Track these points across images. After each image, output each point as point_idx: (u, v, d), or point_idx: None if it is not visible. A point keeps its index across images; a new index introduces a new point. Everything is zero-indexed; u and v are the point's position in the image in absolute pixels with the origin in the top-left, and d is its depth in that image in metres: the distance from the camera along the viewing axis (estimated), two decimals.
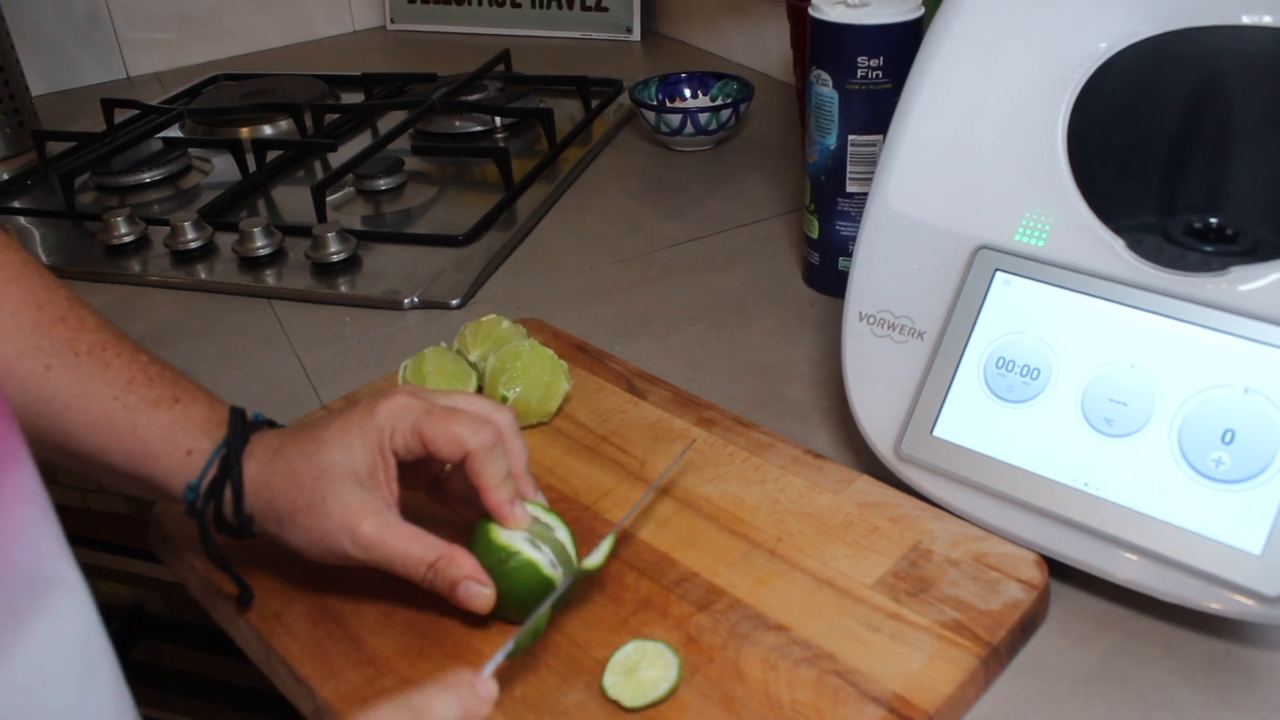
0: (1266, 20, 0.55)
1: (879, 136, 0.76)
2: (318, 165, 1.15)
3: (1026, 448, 0.55)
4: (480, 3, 1.59)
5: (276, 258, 0.93)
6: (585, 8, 1.52)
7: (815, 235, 0.82)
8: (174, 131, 1.24)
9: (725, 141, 1.14)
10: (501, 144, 1.16)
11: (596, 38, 1.52)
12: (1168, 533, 0.51)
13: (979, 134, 0.60)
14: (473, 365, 0.70)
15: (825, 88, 0.76)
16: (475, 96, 1.22)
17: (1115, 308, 0.54)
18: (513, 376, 0.66)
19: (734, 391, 0.73)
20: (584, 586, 0.55)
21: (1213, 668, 0.51)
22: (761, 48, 1.32)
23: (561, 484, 0.62)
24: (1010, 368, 0.56)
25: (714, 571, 0.55)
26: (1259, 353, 0.50)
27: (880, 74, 0.74)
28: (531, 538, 0.51)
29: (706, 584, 0.54)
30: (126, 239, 0.97)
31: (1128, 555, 0.52)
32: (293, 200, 1.07)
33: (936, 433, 0.58)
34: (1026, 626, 0.52)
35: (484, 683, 0.43)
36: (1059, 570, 0.55)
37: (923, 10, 0.74)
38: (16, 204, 1.10)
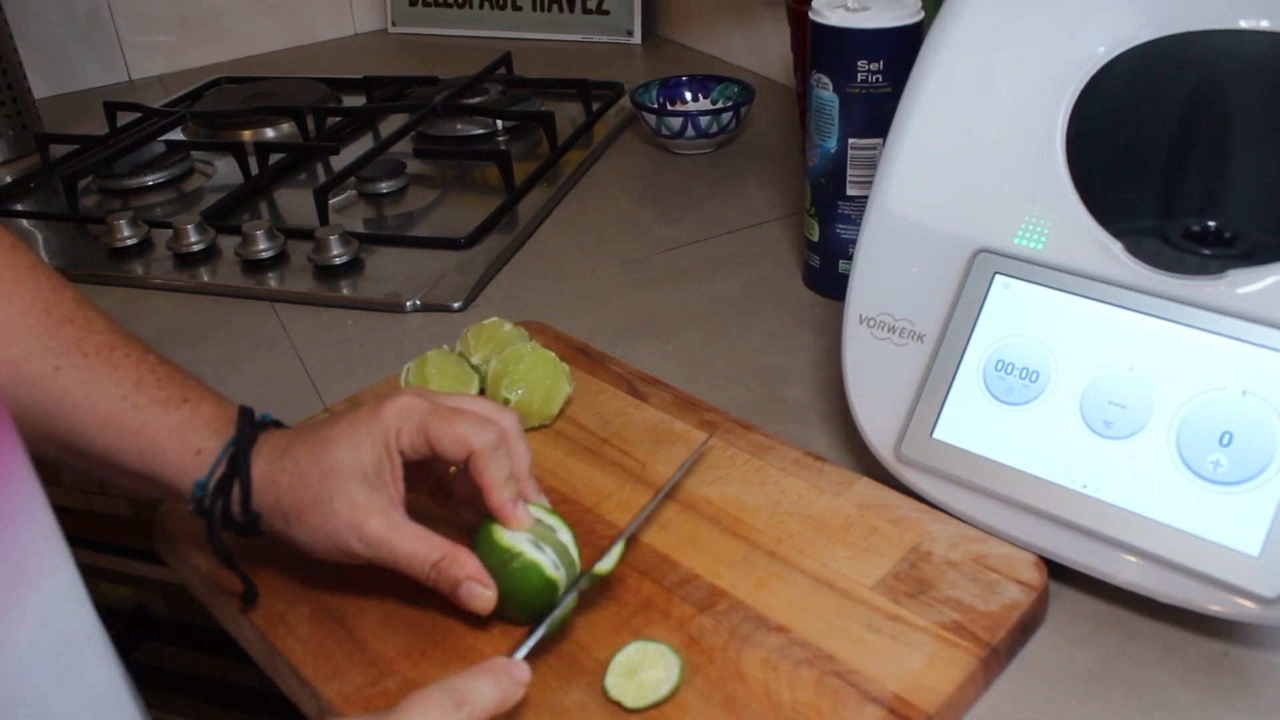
0: (1264, 24, 0.55)
1: (879, 140, 0.76)
2: (320, 168, 1.15)
3: (1026, 450, 0.55)
4: (481, 5, 1.59)
5: (279, 260, 0.94)
6: (586, 11, 1.53)
7: (816, 238, 0.83)
8: (176, 134, 1.24)
9: (726, 144, 1.14)
10: (503, 147, 1.17)
11: (598, 41, 1.52)
12: (1166, 534, 0.51)
13: (978, 137, 0.60)
14: (475, 368, 0.70)
15: (825, 91, 0.76)
16: (477, 99, 1.22)
17: (1114, 311, 0.54)
18: (515, 379, 0.66)
19: (735, 394, 0.73)
20: (586, 588, 0.55)
21: (1211, 669, 0.51)
22: (762, 51, 1.33)
23: (563, 486, 0.63)
24: (1010, 370, 0.56)
25: (715, 573, 0.55)
26: (1257, 355, 0.51)
27: (880, 77, 0.74)
28: (535, 539, 0.52)
29: (708, 585, 0.55)
30: (129, 242, 0.97)
31: (1126, 557, 0.52)
32: (295, 203, 1.07)
33: (936, 435, 0.58)
34: (1026, 627, 0.52)
35: (518, 666, 0.46)
36: (1058, 571, 0.55)
37: (922, 14, 0.74)
38: (19, 207, 1.10)
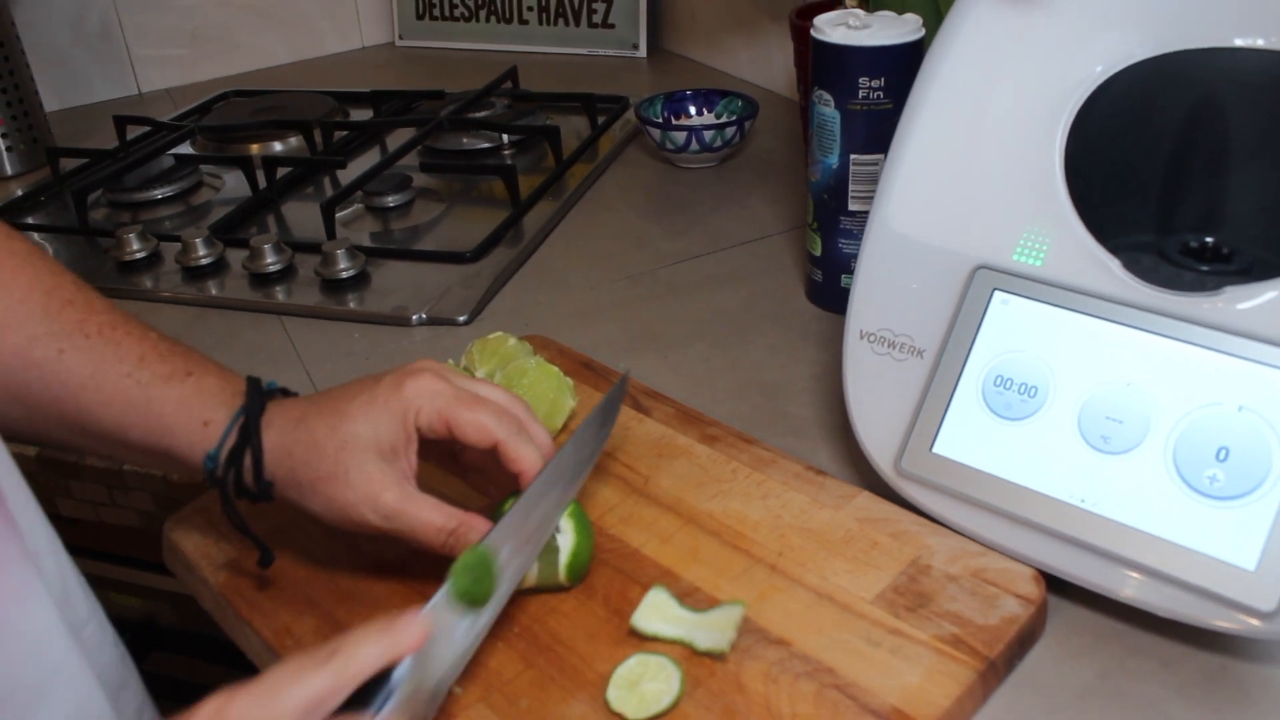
0: (1259, 43, 0.56)
1: (880, 156, 0.77)
2: (327, 182, 1.16)
3: (1024, 464, 0.56)
4: (488, 19, 1.60)
5: (286, 274, 0.95)
6: (592, 25, 1.54)
7: (818, 252, 0.83)
8: (185, 148, 1.26)
9: (730, 158, 1.15)
10: (508, 161, 1.18)
11: (603, 55, 1.53)
12: (1163, 549, 0.52)
13: (978, 155, 0.61)
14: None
15: (827, 108, 0.77)
16: (483, 114, 1.23)
17: (1112, 327, 0.55)
18: (519, 393, 0.67)
19: (737, 408, 0.74)
20: (588, 601, 0.56)
21: (1209, 682, 0.51)
22: (766, 65, 1.33)
23: None
24: (1008, 385, 0.57)
25: (716, 586, 0.56)
26: (1253, 371, 0.51)
27: (881, 94, 0.75)
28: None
29: (709, 599, 0.55)
30: (139, 255, 0.98)
31: (1124, 571, 0.53)
32: (302, 217, 1.08)
33: (936, 449, 0.59)
34: (1024, 641, 0.53)
35: (410, 620, 0.44)
36: (1056, 585, 0.55)
37: (923, 32, 0.75)
38: (30, 220, 1.12)
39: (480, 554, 0.50)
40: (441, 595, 0.48)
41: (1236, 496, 0.50)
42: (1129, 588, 0.53)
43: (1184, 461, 0.52)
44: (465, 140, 1.20)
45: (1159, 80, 0.58)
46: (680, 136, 1.09)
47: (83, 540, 0.86)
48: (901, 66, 0.73)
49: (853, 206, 0.79)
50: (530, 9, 1.57)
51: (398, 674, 0.43)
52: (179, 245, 0.97)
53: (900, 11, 0.77)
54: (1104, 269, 0.56)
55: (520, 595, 0.55)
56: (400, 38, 1.66)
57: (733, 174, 1.12)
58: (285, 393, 0.57)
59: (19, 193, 1.17)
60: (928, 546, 0.57)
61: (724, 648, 0.51)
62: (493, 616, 0.51)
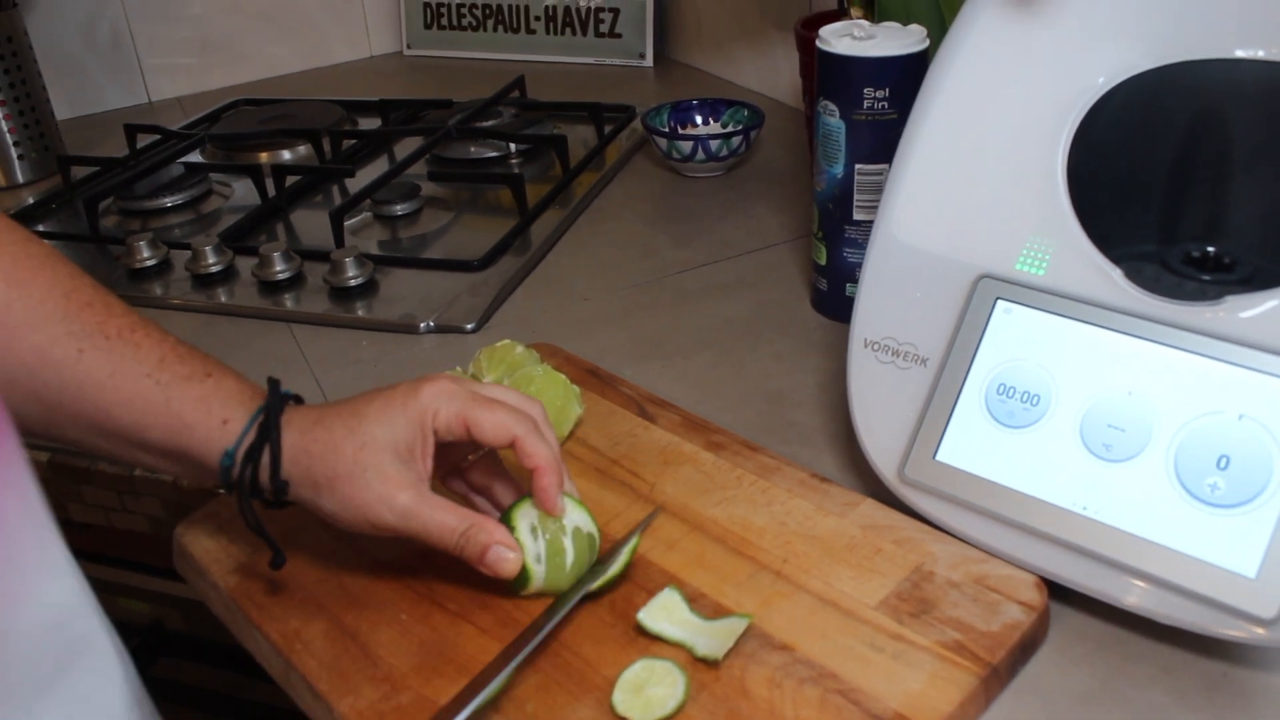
0: (1260, 54, 0.57)
1: (885, 165, 0.77)
2: (335, 190, 1.17)
3: (1027, 472, 0.56)
4: (495, 29, 1.61)
5: (295, 282, 0.95)
6: (599, 34, 1.54)
7: (823, 262, 0.84)
8: (195, 156, 1.26)
9: (736, 168, 1.16)
10: (516, 170, 1.18)
11: (610, 64, 1.54)
12: (1164, 556, 0.52)
13: (981, 165, 0.61)
14: None
15: (832, 118, 0.78)
16: (490, 123, 1.24)
17: (1114, 336, 0.55)
18: None
19: (742, 415, 0.74)
20: (594, 606, 0.56)
21: (1211, 690, 0.52)
22: (772, 74, 1.34)
23: None
24: (1011, 394, 0.57)
25: (721, 592, 0.56)
26: (1254, 380, 0.51)
27: (886, 105, 0.75)
28: (534, 528, 0.55)
29: (714, 604, 0.56)
30: (149, 262, 0.99)
31: (1126, 578, 0.53)
32: (311, 225, 1.09)
33: (939, 457, 0.59)
34: (1026, 647, 0.53)
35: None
36: (1058, 592, 0.56)
37: (928, 43, 0.75)
38: (42, 227, 1.13)
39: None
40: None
41: (1237, 504, 0.51)
42: (1131, 595, 0.53)
43: (1185, 469, 0.52)
44: (473, 149, 1.20)
45: (1161, 91, 0.59)
46: (686, 146, 1.10)
47: (93, 545, 0.86)
48: (906, 77, 0.74)
49: (857, 216, 0.80)
50: (538, 18, 1.58)
51: None
52: (189, 253, 0.98)
53: (905, 22, 0.78)
54: (1106, 278, 0.56)
55: (540, 598, 0.57)
56: (408, 47, 1.67)
57: (739, 183, 1.12)
58: (299, 400, 0.58)
59: (30, 200, 1.17)
60: (931, 553, 0.58)
61: (718, 656, 0.52)
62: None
